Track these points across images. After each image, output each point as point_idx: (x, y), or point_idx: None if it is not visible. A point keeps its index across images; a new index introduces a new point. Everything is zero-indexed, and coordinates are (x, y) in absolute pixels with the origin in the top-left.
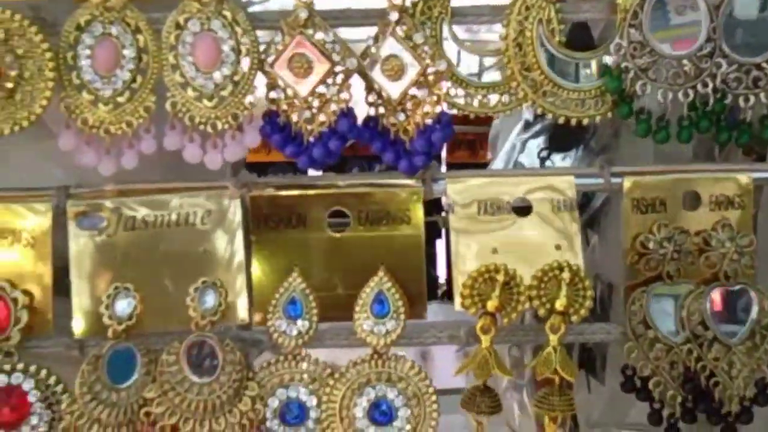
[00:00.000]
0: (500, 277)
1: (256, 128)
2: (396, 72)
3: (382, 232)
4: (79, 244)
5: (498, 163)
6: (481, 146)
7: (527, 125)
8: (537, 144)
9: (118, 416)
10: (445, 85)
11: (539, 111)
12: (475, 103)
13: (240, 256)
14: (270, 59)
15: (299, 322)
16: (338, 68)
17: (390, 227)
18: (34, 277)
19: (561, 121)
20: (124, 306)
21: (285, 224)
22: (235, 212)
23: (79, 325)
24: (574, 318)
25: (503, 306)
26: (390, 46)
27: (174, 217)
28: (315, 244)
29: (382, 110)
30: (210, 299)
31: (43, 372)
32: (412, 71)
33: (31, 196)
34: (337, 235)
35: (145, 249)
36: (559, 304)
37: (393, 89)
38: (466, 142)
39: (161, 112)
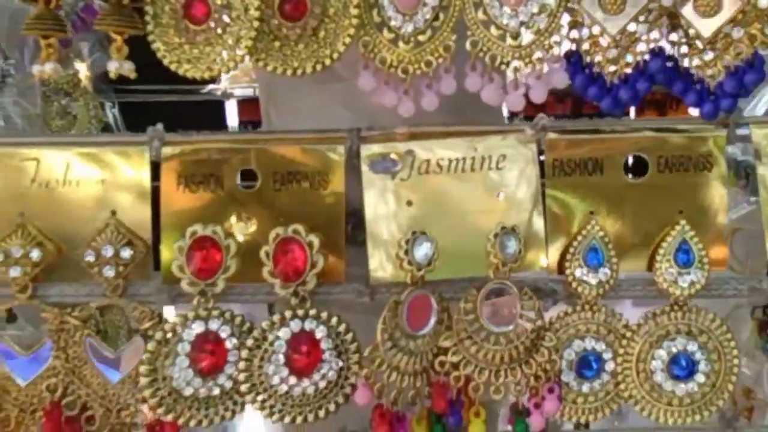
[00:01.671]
0: None
1: (561, 69)
2: (711, 8)
3: (682, 179)
4: (373, 187)
5: None
6: (670, 106)
7: None
8: None
9: (415, 364)
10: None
11: None
12: None
13: (538, 201)
14: None
15: (601, 270)
16: (652, 5)
17: (691, 174)
18: (326, 222)
19: None
20: (424, 251)
21: (581, 170)
22: (532, 157)
23: (375, 270)
24: None
25: None
26: None
27: (469, 161)
28: (611, 191)
29: (684, 49)
30: (512, 245)
31: (334, 319)
32: (731, 7)
33: (323, 138)
34: (637, 180)
35: (439, 193)
36: None
37: (705, 27)
38: (655, 102)
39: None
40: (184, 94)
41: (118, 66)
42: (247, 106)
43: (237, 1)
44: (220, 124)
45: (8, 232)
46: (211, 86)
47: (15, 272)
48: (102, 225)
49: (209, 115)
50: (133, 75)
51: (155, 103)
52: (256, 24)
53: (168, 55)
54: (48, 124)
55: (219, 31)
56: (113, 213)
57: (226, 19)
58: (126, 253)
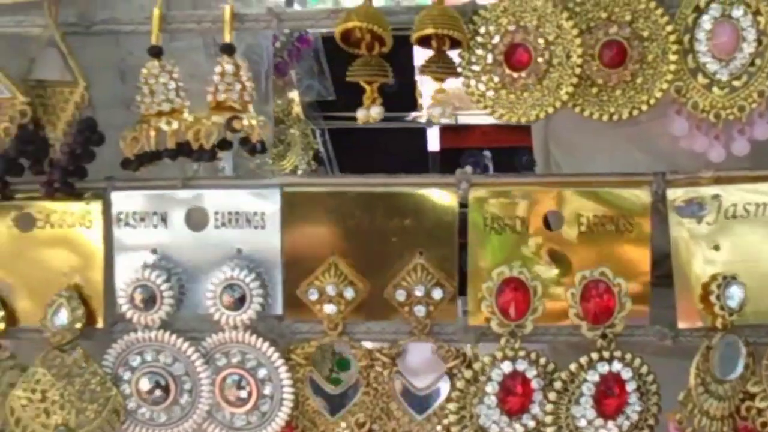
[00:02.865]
0: None
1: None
2: None
3: None
4: (679, 231)
5: None
6: None
7: None
8: None
9: (724, 410)
10: None
11: None
12: None
13: None
14: None
15: None
16: None
17: None
18: (631, 265)
19: None
20: (737, 296)
21: None
22: None
23: (681, 314)
24: None
25: None
26: None
27: None
28: None
29: None
30: None
31: (637, 361)
32: None
33: (628, 182)
34: None
35: (746, 237)
36: None
37: None
38: None
39: None
40: (390, 120)
41: (366, 113)
42: (449, 133)
43: (559, 48)
44: (422, 150)
45: (321, 270)
46: (414, 113)
47: (330, 310)
48: (411, 265)
49: (412, 141)
50: (381, 117)
51: (360, 129)
52: (577, 71)
53: (482, 100)
54: None
55: (539, 77)
56: (420, 253)
57: (546, 65)
58: (437, 294)
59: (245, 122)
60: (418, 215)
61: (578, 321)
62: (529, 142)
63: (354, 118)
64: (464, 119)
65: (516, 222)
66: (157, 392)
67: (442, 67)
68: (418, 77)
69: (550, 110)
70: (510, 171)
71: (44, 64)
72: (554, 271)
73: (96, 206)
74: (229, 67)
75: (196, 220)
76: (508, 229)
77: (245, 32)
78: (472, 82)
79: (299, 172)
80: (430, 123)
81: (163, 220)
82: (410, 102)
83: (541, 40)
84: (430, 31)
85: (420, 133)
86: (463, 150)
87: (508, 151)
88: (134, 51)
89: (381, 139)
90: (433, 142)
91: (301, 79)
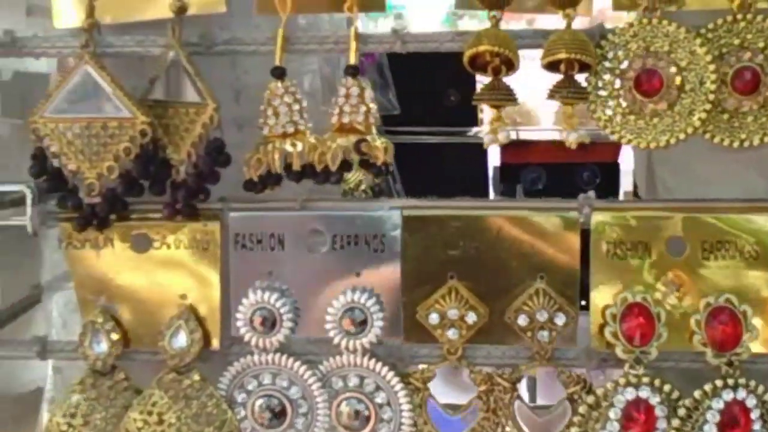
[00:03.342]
0: None
1: None
2: None
3: None
4: None
5: None
6: None
7: None
8: None
9: None
10: None
11: None
12: None
13: None
14: None
15: None
16: None
17: None
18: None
19: None
20: None
21: None
22: None
23: None
24: None
25: None
26: None
27: None
28: None
29: None
30: None
31: (761, 388)
32: None
33: (754, 208)
34: None
35: None
36: None
37: None
38: None
39: None
40: (451, 135)
41: (492, 138)
42: (510, 148)
43: (691, 74)
44: (483, 164)
45: (441, 293)
46: (475, 129)
47: (452, 335)
48: (532, 289)
49: (472, 156)
50: (506, 141)
51: (422, 143)
52: (711, 97)
53: (609, 125)
54: None
55: (670, 103)
56: (541, 277)
57: (678, 91)
58: (560, 320)
59: (372, 144)
60: (539, 239)
61: (703, 347)
62: (590, 158)
63: (415, 132)
64: (525, 135)
65: (638, 247)
66: (273, 416)
67: (572, 93)
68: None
69: (682, 136)
70: (571, 187)
71: (165, 85)
72: (677, 297)
73: (213, 227)
74: (354, 90)
75: (313, 242)
76: (630, 254)
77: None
78: (599, 108)
79: (362, 186)
80: None
81: (281, 242)
82: (471, 117)
83: (673, 67)
84: (563, 56)
85: (481, 148)
86: (524, 165)
87: (569, 167)
88: (249, 70)
89: (442, 153)
90: (494, 157)
91: None
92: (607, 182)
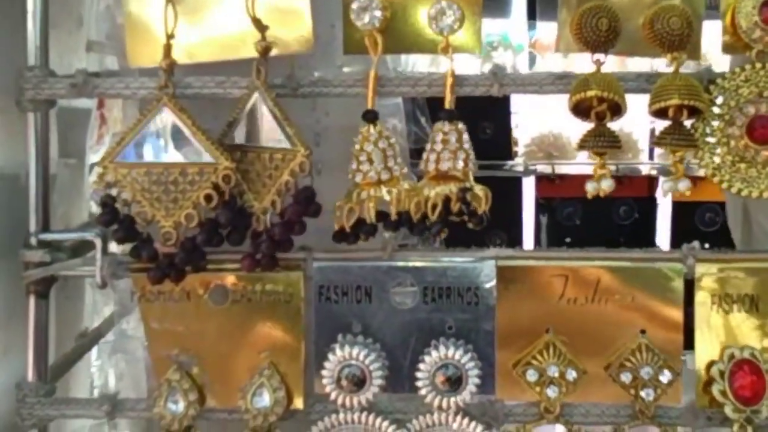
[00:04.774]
0: None
1: None
2: None
3: None
4: None
5: None
6: None
7: None
8: None
9: None
10: None
11: None
12: None
13: None
14: None
15: None
16: None
17: None
18: None
19: None
20: None
21: None
22: None
23: None
24: None
25: None
26: None
27: None
28: None
29: None
30: None
31: None
32: None
33: None
34: None
35: None
36: None
37: None
38: None
39: None
40: (486, 169)
41: (596, 186)
42: (544, 182)
43: None
44: (517, 198)
45: (537, 348)
46: (510, 162)
47: (552, 393)
48: (634, 344)
49: (507, 190)
50: (611, 189)
51: None
52: None
53: (717, 173)
54: None
55: None
56: (642, 332)
57: None
58: (665, 377)
59: (475, 193)
60: (641, 290)
61: None
62: (626, 192)
63: None
64: (561, 168)
65: (745, 300)
66: None
67: (678, 139)
68: (513, 125)
69: None
70: (608, 222)
71: (245, 128)
72: None
73: (296, 279)
74: (453, 135)
75: (402, 294)
76: (736, 306)
77: None
78: (706, 155)
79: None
80: (528, 172)
81: (368, 294)
82: (506, 150)
83: None
84: (675, 102)
85: (515, 181)
86: (559, 200)
87: (605, 201)
88: (330, 112)
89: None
90: (528, 191)
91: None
92: (643, 217)
